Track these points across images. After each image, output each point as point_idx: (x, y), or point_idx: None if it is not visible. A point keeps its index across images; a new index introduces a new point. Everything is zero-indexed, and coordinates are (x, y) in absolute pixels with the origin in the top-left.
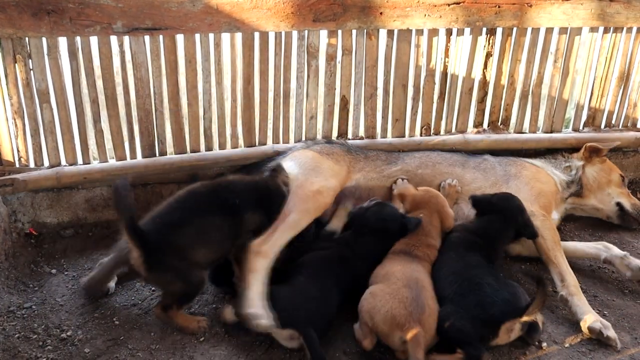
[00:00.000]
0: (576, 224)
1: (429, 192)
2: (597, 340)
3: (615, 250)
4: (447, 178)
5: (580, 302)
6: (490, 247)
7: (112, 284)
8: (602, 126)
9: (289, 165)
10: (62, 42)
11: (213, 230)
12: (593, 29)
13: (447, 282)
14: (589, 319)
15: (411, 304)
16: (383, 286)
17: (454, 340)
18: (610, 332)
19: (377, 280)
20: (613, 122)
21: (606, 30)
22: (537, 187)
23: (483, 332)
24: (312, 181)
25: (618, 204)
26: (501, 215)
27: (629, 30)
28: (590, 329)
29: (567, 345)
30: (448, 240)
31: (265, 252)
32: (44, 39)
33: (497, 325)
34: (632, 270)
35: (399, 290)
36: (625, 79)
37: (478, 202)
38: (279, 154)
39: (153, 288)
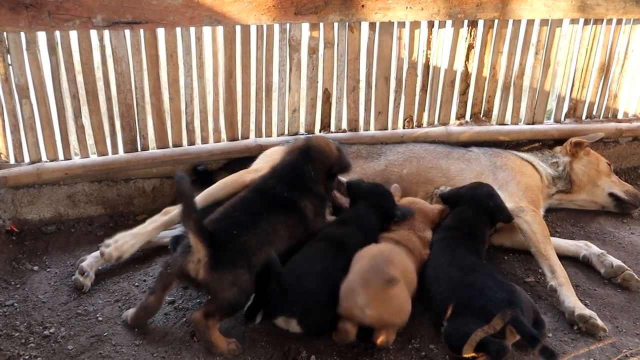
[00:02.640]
0: (558, 214)
1: (413, 203)
2: (579, 329)
3: (594, 249)
4: (432, 174)
5: (569, 292)
6: (472, 238)
7: (88, 283)
8: (583, 117)
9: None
10: (41, 36)
11: (282, 230)
12: (574, 21)
13: (446, 291)
14: (579, 307)
15: (371, 272)
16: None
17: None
18: (598, 321)
19: (354, 261)
20: (594, 113)
21: (587, 22)
22: (523, 181)
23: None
24: (248, 171)
25: (611, 195)
26: (472, 204)
27: (609, 21)
28: (580, 316)
29: (549, 334)
30: (434, 247)
31: (168, 211)
32: (22, 34)
33: (503, 327)
34: (605, 267)
35: (360, 267)
36: (605, 70)
37: (447, 197)
38: (262, 147)
39: (136, 283)
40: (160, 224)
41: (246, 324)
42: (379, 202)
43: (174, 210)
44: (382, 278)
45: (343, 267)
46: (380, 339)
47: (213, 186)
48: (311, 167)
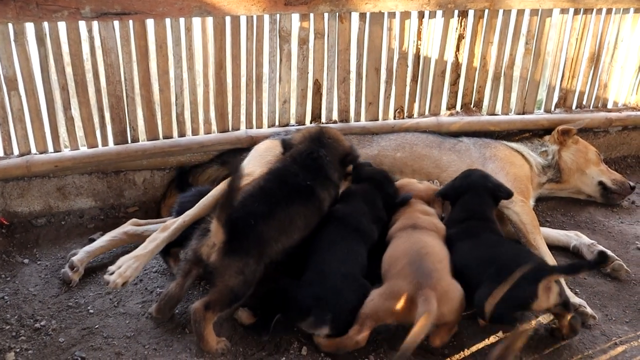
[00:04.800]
0: (548, 204)
1: (408, 184)
2: None
3: (585, 239)
4: (425, 162)
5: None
6: (486, 221)
7: (76, 278)
8: (574, 107)
9: (245, 159)
10: (29, 27)
11: (299, 220)
12: (563, 11)
13: (478, 270)
14: (569, 296)
15: (416, 275)
16: (387, 281)
17: (492, 320)
18: (588, 309)
19: (385, 267)
20: (584, 103)
21: (576, 12)
22: (512, 172)
23: (522, 295)
24: (244, 168)
25: (600, 183)
26: (472, 191)
27: (599, 11)
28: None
29: (533, 323)
30: (450, 240)
31: (167, 227)
32: (10, 25)
33: (534, 284)
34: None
35: (403, 269)
36: (595, 60)
37: (445, 193)
38: (252, 139)
39: None
40: (161, 242)
41: (260, 336)
42: (382, 186)
43: (173, 225)
44: (430, 277)
45: (364, 257)
46: (437, 339)
47: (207, 197)
48: (326, 153)
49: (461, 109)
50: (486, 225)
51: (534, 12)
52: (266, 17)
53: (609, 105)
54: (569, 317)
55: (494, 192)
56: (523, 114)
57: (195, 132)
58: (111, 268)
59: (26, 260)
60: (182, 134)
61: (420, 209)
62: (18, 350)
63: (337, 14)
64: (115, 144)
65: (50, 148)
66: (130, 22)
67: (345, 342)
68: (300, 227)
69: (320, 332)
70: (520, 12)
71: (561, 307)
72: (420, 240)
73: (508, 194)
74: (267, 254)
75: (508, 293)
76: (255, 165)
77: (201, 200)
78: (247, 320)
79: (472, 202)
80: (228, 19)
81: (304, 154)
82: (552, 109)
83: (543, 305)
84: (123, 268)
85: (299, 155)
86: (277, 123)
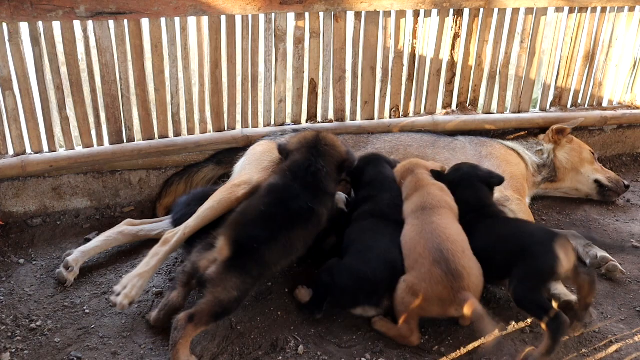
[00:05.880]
0: (544, 203)
1: (405, 162)
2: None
3: (581, 239)
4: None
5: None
6: (487, 207)
7: (71, 278)
8: (569, 105)
9: (240, 162)
10: (24, 27)
11: (298, 243)
12: (558, 9)
13: (504, 248)
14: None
15: (448, 278)
16: (414, 275)
17: (529, 310)
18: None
19: (405, 260)
20: (579, 101)
21: (571, 10)
22: (508, 170)
23: (546, 264)
24: (240, 174)
25: (596, 181)
26: (465, 183)
27: (594, 10)
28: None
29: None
30: (469, 226)
31: (167, 240)
32: (4, 25)
33: (551, 244)
34: (590, 257)
35: (431, 272)
36: (590, 58)
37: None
38: (248, 138)
39: (123, 275)
40: (163, 256)
41: (312, 315)
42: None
43: (173, 239)
44: (462, 278)
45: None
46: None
47: (205, 207)
48: (324, 163)
49: (457, 107)
50: (489, 211)
51: (529, 10)
52: (262, 17)
53: (604, 104)
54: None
55: (486, 179)
56: (518, 112)
57: (191, 131)
58: (117, 288)
59: (22, 261)
60: (177, 133)
61: (434, 184)
62: (14, 350)
63: (333, 13)
64: (111, 143)
65: (46, 148)
66: (126, 21)
67: (397, 338)
68: (299, 249)
69: (368, 314)
70: (516, 11)
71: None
72: (437, 230)
73: (500, 179)
74: (266, 275)
75: (531, 269)
76: (252, 170)
77: (200, 211)
78: (304, 298)
79: (467, 195)
80: (223, 18)
81: (302, 167)
82: (548, 107)
83: (566, 265)
84: (129, 288)
85: (298, 169)
86: (273, 122)
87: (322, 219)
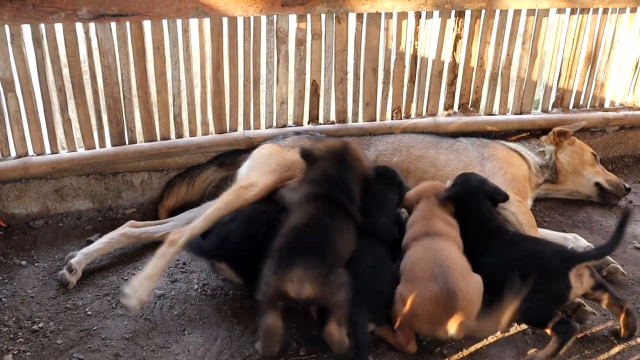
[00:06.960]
0: (546, 204)
1: (420, 188)
2: (569, 316)
3: (582, 242)
4: (421, 163)
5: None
6: (491, 220)
7: (74, 280)
8: (571, 107)
9: (245, 164)
10: (26, 29)
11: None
12: (560, 11)
13: (505, 270)
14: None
15: (442, 296)
16: (410, 287)
17: (535, 324)
18: (587, 307)
19: (404, 274)
20: (581, 102)
21: (573, 12)
22: (510, 172)
23: (557, 290)
24: (248, 176)
25: (597, 184)
26: (473, 196)
27: (595, 11)
28: (578, 305)
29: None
30: (479, 244)
31: (174, 241)
32: (6, 27)
33: (566, 276)
34: None
35: (427, 287)
36: (592, 59)
37: (452, 198)
38: (250, 140)
39: (125, 277)
40: (170, 257)
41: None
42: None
43: (180, 240)
44: (456, 298)
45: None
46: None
47: (213, 209)
48: (352, 177)
49: (459, 109)
50: (494, 225)
51: (530, 12)
52: (263, 18)
53: (606, 105)
54: (607, 297)
55: (492, 196)
56: (520, 114)
57: (192, 133)
58: (127, 291)
59: (24, 262)
60: (179, 135)
61: (444, 219)
62: (16, 352)
63: (334, 14)
64: (113, 145)
65: (48, 150)
66: (128, 23)
67: (396, 346)
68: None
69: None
70: (517, 12)
71: (598, 289)
72: (443, 250)
73: (505, 197)
74: (339, 262)
75: (543, 292)
76: (259, 173)
77: (208, 212)
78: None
79: (476, 212)
80: (225, 20)
81: (334, 179)
82: (550, 108)
83: (579, 292)
84: (140, 291)
85: (333, 185)
86: (274, 124)
87: (349, 232)
